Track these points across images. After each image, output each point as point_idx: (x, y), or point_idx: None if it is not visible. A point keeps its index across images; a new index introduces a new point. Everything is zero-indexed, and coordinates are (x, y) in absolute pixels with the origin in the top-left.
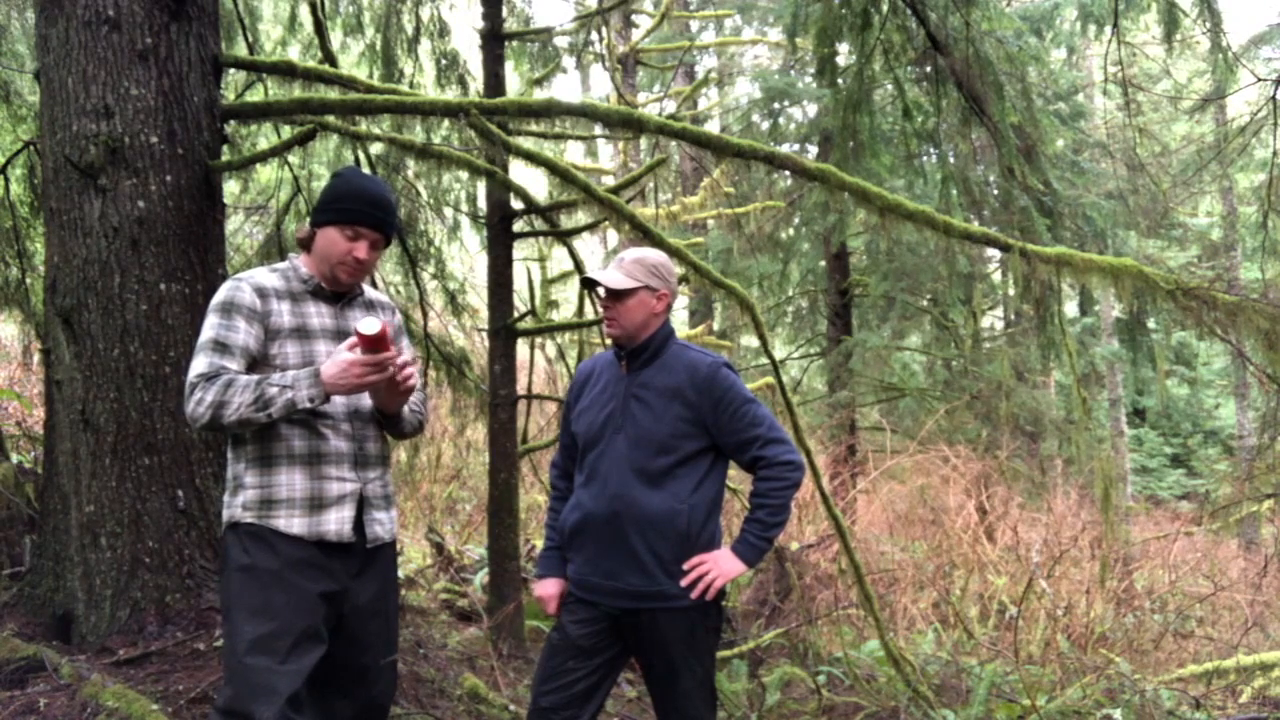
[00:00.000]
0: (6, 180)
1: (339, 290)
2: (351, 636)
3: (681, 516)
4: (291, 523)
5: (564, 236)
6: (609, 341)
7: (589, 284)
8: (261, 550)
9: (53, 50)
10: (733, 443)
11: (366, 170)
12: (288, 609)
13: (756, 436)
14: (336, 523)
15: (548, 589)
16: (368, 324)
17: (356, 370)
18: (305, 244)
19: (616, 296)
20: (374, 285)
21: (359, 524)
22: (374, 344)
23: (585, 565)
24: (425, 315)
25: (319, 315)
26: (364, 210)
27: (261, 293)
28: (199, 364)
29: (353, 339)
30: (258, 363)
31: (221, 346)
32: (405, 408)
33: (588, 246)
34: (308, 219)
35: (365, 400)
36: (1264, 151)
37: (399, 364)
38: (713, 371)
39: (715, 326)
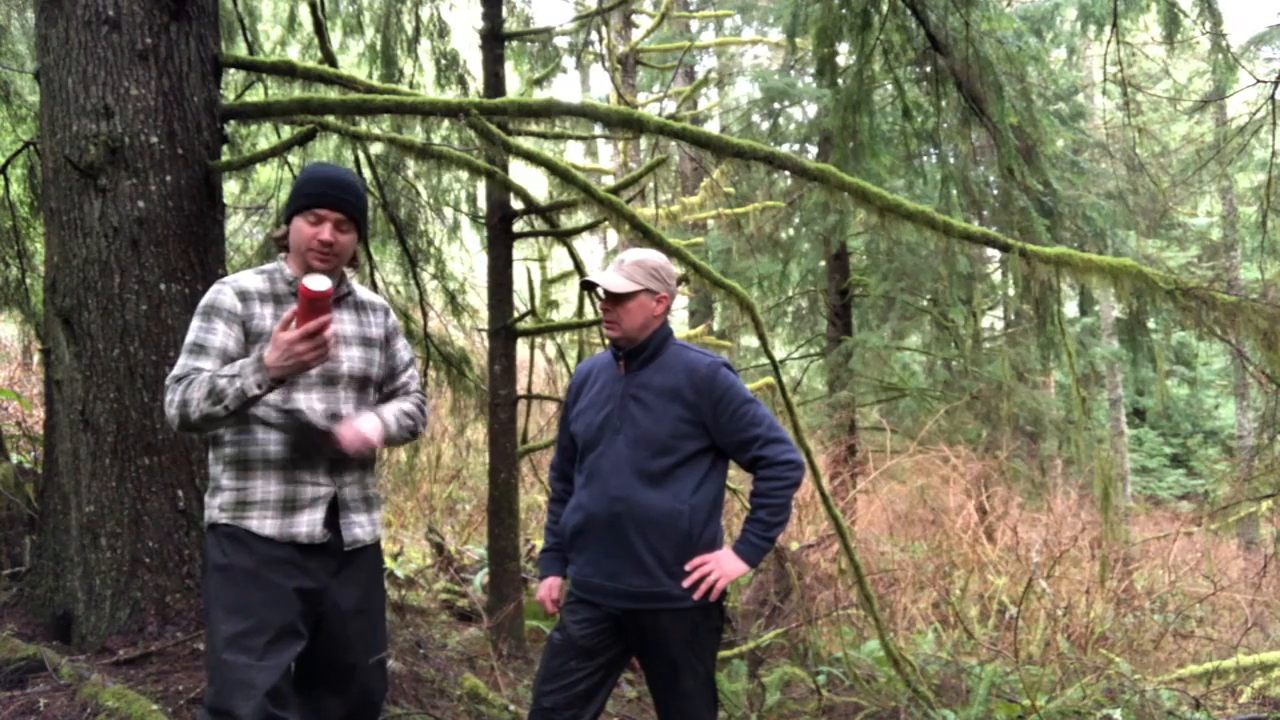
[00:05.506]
0: (6, 180)
1: None
2: (333, 636)
3: (683, 517)
4: (264, 524)
5: (564, 236)
6: (609, 342)
7: (589, 286)
8: (237, 550)
9: (53, 50)
10: (732, 442)
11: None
12: (264, 606)
13: (756, 436)
14: (308, 525)
15: (545, 590)
16: (316, 280)
17: (299, 348)
18: (282, 243)
19: (616, 299)
20: (374, 286)
21: (335, 526)
22: (316, 304)
23: (587, 566)
24: (425, 315)
25: None
26: (321, 193)
27: (244, 296)
28: (175, 368)
29: (288, 313)
30: None
31: (198, 348)
32: (394, 423)
33: (588, 246)
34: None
35: (344, 404)
36: (1263, 151)
37: (330, 334)
38: (712, 372)
39: (715, 326)
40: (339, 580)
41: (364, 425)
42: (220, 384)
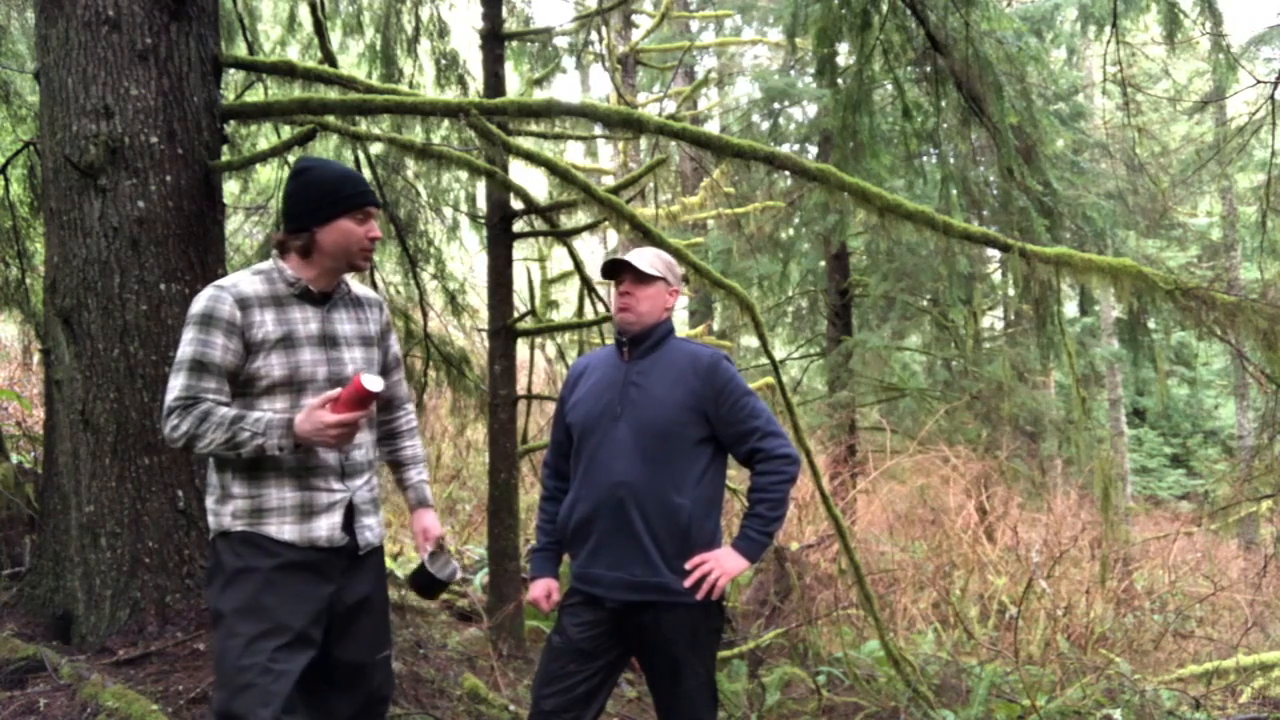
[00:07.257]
0: (6, 180)
1: (327, 291)
2: (343, 634)
3: (683, 512)
4: (283, 529)
5: (564, 236)
6: (610, 340)
7: (611, 269)
8: (254, 554)
9: (53, 50)
10: (731, 434)
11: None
12: (281, 610)
13: (755, 429)
14: (328, 529)
15: (540, 589)
16: (372, 380)
17: (333, 433)
18: (303, 249)
19: (641, 280)
20: (374, 286)
21: (350, 529)
22: (364, 400)
23: (588, 558)
24: (425, 315)
25: (304, 321)
26: (364, 191)
27: (244, 303)
28: (176, 385)
29: (334, 392)
30: (238, 378)
31: (199, 366)
32: (429, 491)
33: (588, 246)
34: (282, 225)
35: None
36: (1263, 151)
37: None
38: (714, 363)
39: (715, 326)
40: (348, 579)
41: (431, 526)
42: (242, 436)
